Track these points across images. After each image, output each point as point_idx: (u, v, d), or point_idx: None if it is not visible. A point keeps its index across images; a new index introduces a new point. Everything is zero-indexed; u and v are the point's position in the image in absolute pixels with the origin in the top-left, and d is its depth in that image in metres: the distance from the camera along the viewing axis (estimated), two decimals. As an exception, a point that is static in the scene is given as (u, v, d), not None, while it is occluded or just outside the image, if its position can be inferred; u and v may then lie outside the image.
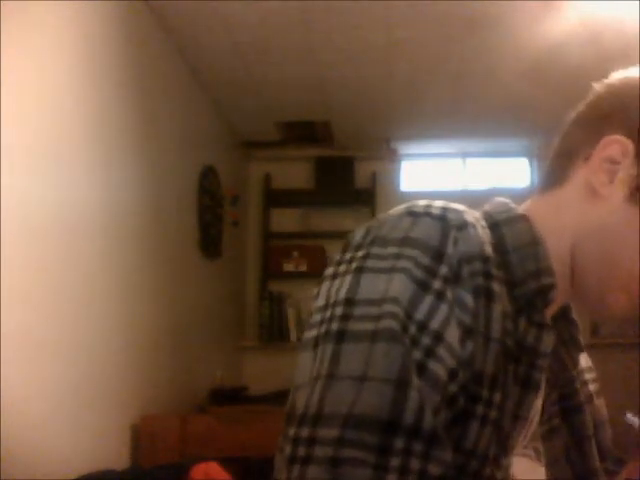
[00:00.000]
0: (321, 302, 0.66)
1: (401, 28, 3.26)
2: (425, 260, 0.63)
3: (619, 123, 0.75)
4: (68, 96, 2.32)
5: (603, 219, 0.74)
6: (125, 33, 2.82)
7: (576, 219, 0.76)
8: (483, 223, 0.72)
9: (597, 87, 0.81)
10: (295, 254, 4.96)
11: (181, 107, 3.57)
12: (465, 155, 5.32)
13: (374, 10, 3.09)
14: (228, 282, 4.57)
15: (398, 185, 5.28)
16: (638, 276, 0.73)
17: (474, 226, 0.68)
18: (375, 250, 0.65)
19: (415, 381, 0.59)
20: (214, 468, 2.28)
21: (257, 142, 4.94)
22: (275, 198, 5.12)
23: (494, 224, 0.74)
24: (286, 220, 5.11)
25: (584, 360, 0.88)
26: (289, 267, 4.95)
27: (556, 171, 0.80)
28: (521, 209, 0.78)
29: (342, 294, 0.64)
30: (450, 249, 0.64)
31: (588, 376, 0.88)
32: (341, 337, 0.62)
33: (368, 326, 0.61)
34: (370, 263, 0.65)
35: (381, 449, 0.57)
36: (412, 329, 0.61)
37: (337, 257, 0.68)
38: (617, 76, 0.81)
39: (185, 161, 3.62)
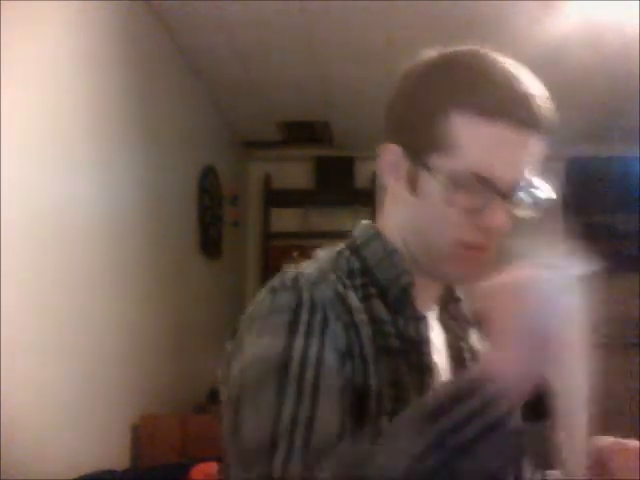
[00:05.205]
0: (226, 384, 0.79)
1: (401, 28, 3.26)
2: (286, 317, 0.76)
3: (395, 129, 0.86)
4: (68, 96, 2.32)
5: (406, 214, 0.86)
6: (125, 33, 2.82)
7: (395, 221, 0.88)
8: (347, 253, 0.87)
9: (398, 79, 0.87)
10: (295, 254, 4.96)
11: (181, 107, 3.57)
12: (465, 155, 5.32)
13: (374, 10, 3.09)
14: (228, 282, 4.57)
15: (398, 185, 5.27)
16: (452, 247, 0.82)
17: (325, 279, 0.81)
18: (251, 327, 0.79)
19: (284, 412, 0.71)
20: (214, 468, 2.28)
21: (257, 142, 4.94)
22: (275, 198, 5.11)
23: (356, 249, 0.88)
24: (286, 220, 5.11)
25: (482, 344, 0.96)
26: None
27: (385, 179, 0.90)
28: (378, 223, 0.90)
29: (236, 369, 0.77)
30: (307, 301, 0.77)
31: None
32: (238, 405, 0.75)
33: (250, 386, 0.74)
34: (249, 337, 0.78)
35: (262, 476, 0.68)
36: (294, 368, 0.73)
37: (227, 346, 0.83)
38: (407, 68, 0.87)
39: (185, 161, 3.62)
